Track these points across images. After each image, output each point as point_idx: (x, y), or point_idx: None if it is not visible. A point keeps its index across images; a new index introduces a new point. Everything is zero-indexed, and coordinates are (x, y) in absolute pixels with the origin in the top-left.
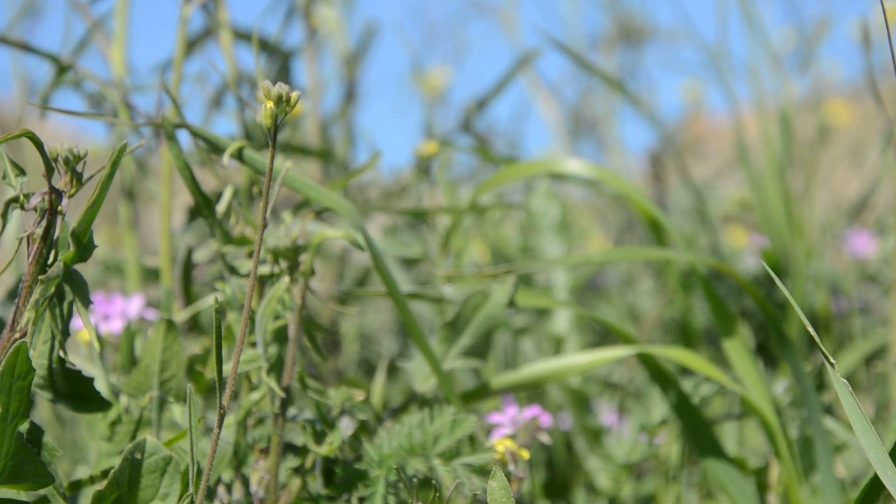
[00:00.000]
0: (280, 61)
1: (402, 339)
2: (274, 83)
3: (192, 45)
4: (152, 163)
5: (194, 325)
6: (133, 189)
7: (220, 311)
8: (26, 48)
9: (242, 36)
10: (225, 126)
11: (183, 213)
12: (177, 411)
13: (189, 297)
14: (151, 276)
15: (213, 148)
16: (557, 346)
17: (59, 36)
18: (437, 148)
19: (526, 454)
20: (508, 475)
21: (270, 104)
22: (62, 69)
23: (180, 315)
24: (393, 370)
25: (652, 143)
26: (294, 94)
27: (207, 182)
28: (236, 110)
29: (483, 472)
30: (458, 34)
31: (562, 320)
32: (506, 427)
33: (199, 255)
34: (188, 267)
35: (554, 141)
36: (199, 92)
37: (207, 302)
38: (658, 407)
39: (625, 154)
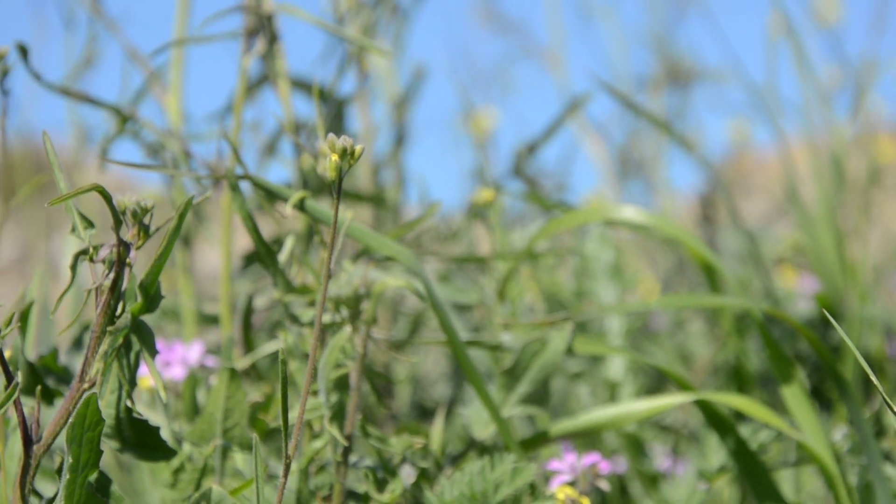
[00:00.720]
0: (334, 108)
1: (455, 384)
2: (328, 129)
3: (246, 93)
4: (207, 209)
5: (252, 372)
6: (189, 235)
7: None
8: (88, 100)
9: (298, 84)
10: (277, 172)
11: (236, 259)
12: (239, 459)
13: (249, 344)
14: (206, 321)
15: (274, 197)
16: (612, 392)
17: (111, 84)
18: (493, 195)
19: (586, 502)
20: None
21: (335, 157)
22: (124, 119)
23: (241, 362)
24: (447, 414)
25: (700, 184)
26: (358, 148)
27: (264, 228)
28: (291, 157)
29: None
30: (505, 76)
31: (616, 365)
32: (565, 474)
33: (259, 303)
34: (248, 314)
35: (601, 182)
36: (252, 139)
37: (268, 349)
38: (715, 453)
39: (673, 194)
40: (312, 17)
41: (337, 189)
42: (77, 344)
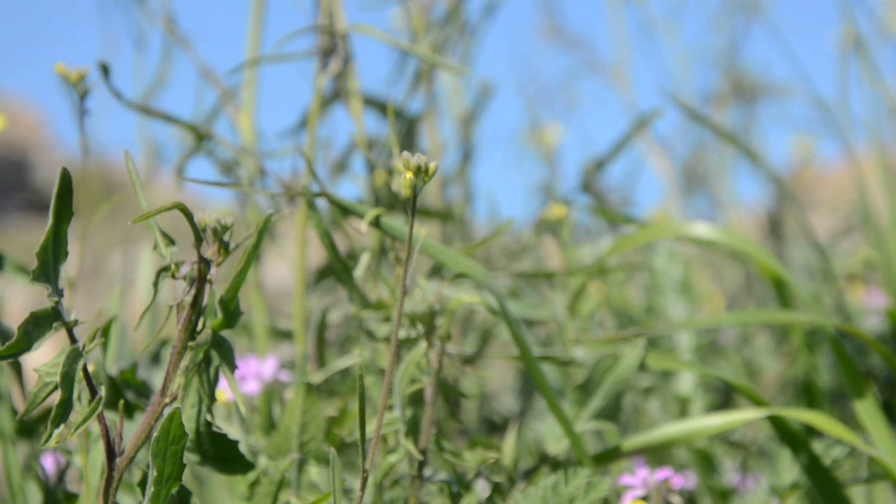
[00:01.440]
0: (404, 125)
1: (522, 399)
2: (399, 147)
3: (318, 111)
4: (276, 226)
5: (325, 386)
6: (260, 251)
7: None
8: (167, 118)
9: (369, 102)
10: (347, 188)
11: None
12: (314, 472)
13: (322, 360)
14: (278, 336)
15: (348, 213)
16: (683, 407)
17: (180, 101)
18: (564, 211)
19: None
20: None
21: (410, 174)
22: (200, 138)
23: (315, 377)
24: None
25: (766, 198)
26: (432, 165)
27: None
28: (362, 174)
29: None
30: (569, 91)
31: (686, 381)
32: (637, 489)
33: (332, 318)
34: (322, 329)
35: (666, 196)
36: (322, 156)
37: (341, 364)
38: (788, 469)
39: (738, 208)
40: (386, 36)
41: (412, 206)
42: (154, 359)
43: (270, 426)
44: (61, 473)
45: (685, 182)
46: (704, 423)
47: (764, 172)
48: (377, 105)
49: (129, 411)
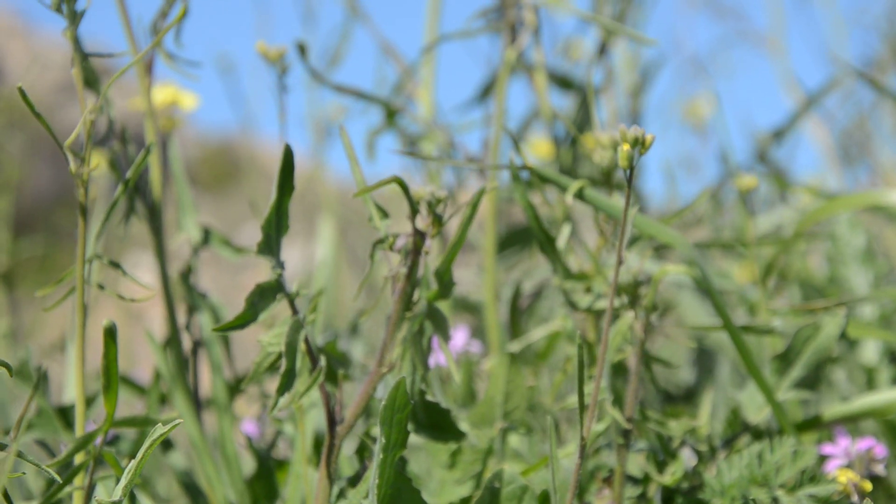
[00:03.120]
0: (580, 98)
1: (699, 369)
2: (576, 119)
3: (491, 85)
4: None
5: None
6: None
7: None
8: (359, 95)
9: (552, 76)
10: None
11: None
12: (514, 441)
13: (516, 330)
14: (462, 307)
15: (552, 185)
16: (869, 377)
17: (347, 75)
18: (754, 182)
19: (869, 485)
20: None
21: (626, 146)
22: (391, 113)
23: (512, 347)
24: (689, 398)
25: None
26: (649, 137)
27: (515, 216)
28: (550, 144)
29: (826, 501)
30: (720, 61)
31: (871, 351)
32: (839, 458)
33: (526, 288)
34: (516, 300)
35: (823, 165)
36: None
37: (539, 334)
38: None
39: None
40: (575, 9)
41: (628, 178)
42: (353, 330)
43: (470, 396)
44: (272, 441)
45: (843, 151)
46: None
47: None
48: (557, 78)
49: (335, 380)
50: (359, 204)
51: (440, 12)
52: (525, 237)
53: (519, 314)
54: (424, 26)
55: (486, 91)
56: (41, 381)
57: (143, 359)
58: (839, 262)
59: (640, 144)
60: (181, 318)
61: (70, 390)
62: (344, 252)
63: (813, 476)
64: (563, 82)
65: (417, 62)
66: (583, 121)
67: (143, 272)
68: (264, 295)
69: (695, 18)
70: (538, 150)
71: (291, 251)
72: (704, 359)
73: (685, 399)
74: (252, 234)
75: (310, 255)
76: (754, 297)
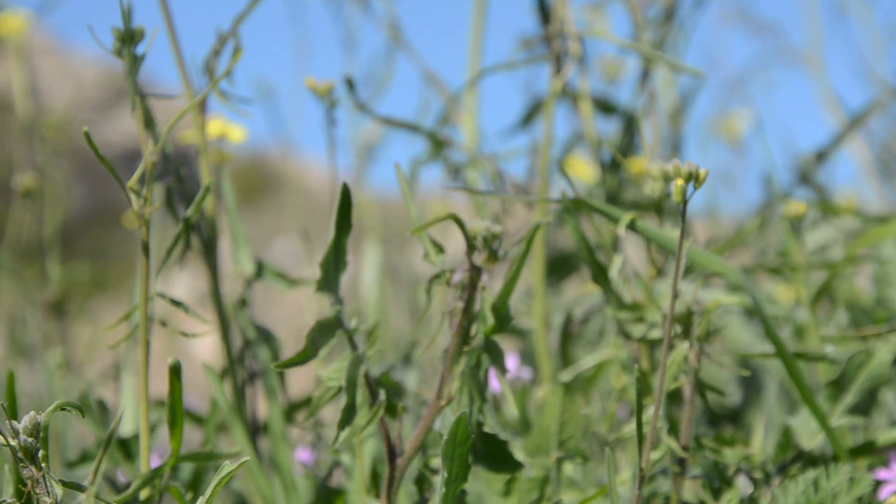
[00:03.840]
0: (624, 122)
1: (744, 392)
2: (620, 143)
3: (533, 111)
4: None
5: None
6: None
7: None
8: (405, 126)
9: (597, 102)
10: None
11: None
12: (568, 469)
13: (566, 358)
14: (512, 333)
15: (604, 217)
16: None
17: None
18: (804, 208)
19: None
20: None
21: (681, 181)
22: (438, 144)
23: (563, 376)
24: (735, 419)
25: None
26: (703, 172)
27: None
28: (600, 177)
29: None
30: (758, 78)
31: None
32: (893, 483)
33: (577, 315)
34: (567, 327)
35: (862, 181)
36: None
37: (590, 362)
38: None
39: None
40: (618, 39)
41: (682, 212)
42: (405, 360)
43: (525, 424)
44: (329, 470)
45: (882, 165)
46: None
47: None
48: (599, 103)
49: (393, 412)
50: (396, 219)
51: (482, 39)
52: (569, 263)
53: (570, 342)
54: (467, 54)
55: (529, 117)
56: (102, 414)
57: (188, 383)
58: (887, 283)
59: (693, 179)
60: (236, 348)
61: (127, 421)
62: (385, 270)
63: (870, 503)
64: (605, 107)
65: (460, 90)
66: (627, 145)
67: (179, 288)
68: (324, 331)
69: (731, 35)
70: (577, 170)
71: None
72: (750, 379)
73: (731, 420)
74: (283, 248)
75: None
76: (801, 318)
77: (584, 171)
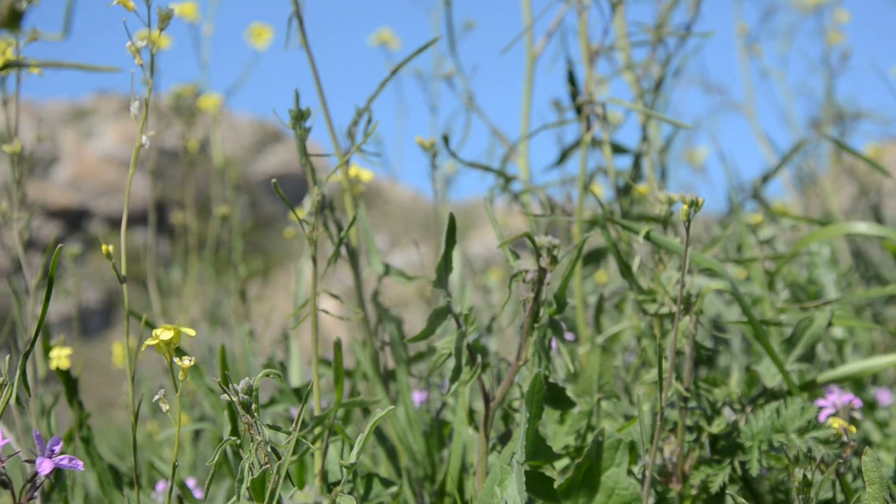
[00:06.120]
0: (634, 159)
1: (714, 344)
2: (631, 175)
3: (565, 154)
4: (480, 214)
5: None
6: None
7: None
8: (482, 167)
9: (615, 147)
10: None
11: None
12: (605, 405)
13: (599, 326)
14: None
15: (625, 229)
16: (839, 347)
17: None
18: (762, 219)
19: (853, 429)
20: (842, 444)
21: (686, 207)
22: (507, 179)
23: (599, 339)
24: (711, 362)
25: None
26: (700, 200)
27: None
28: (616, 198)
29: (825, 442)
30: (709, 123)
31: (838, 329)
32: (829, 409)
33: (607, 294)
34: (600, 305)
35: (785, 193)
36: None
37: (615, 329)
38: None
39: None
40: (628, 103)
41: (687, 228)
42: (488, 329)
43: (574, 374)
44: (439, 408)
45: (799, 182)
46: (878, 362)
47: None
48: (614, 146)
49: (485, 368)
50: (458, 219)
51: (531, 103)
52: (597, 258)
53: (602, 315)
54: (520, 112)
55: (562, 158)
56: (282, 370)
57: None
58: (814, 266)
59: (694, 205)
60: (371, 325)
61: (293, 375)
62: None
63: (816, 424)
64: (618, 149)
65: (517, 141)
66: (635, 176)
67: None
68: (439, 316)
69: (691, 93)
70: (595, 192)
71: (413, 253)
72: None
73: (707, 364)
74: (380, 244)
75: (423, 254)
76: (754, 291)
77: (599, 193)
